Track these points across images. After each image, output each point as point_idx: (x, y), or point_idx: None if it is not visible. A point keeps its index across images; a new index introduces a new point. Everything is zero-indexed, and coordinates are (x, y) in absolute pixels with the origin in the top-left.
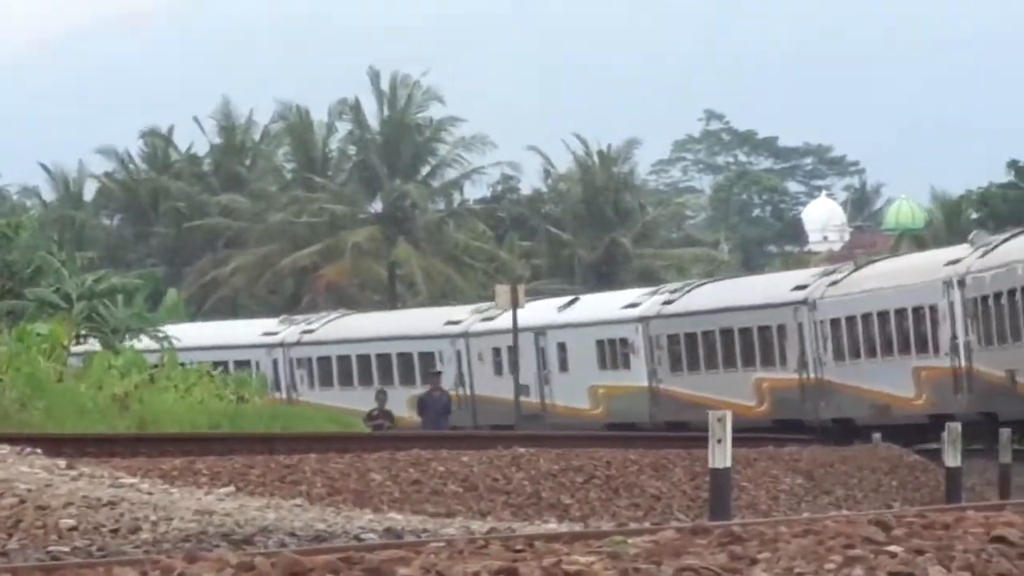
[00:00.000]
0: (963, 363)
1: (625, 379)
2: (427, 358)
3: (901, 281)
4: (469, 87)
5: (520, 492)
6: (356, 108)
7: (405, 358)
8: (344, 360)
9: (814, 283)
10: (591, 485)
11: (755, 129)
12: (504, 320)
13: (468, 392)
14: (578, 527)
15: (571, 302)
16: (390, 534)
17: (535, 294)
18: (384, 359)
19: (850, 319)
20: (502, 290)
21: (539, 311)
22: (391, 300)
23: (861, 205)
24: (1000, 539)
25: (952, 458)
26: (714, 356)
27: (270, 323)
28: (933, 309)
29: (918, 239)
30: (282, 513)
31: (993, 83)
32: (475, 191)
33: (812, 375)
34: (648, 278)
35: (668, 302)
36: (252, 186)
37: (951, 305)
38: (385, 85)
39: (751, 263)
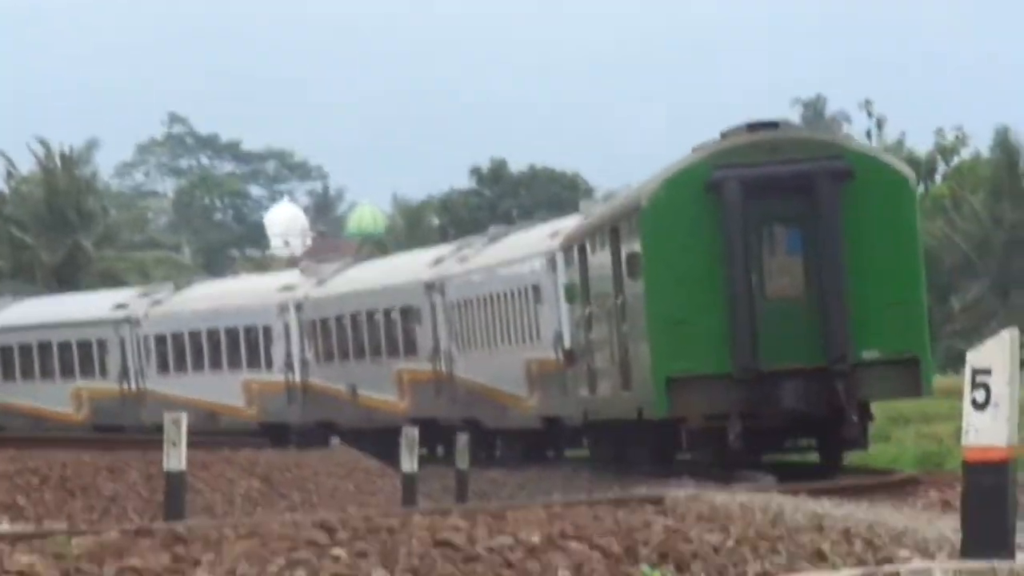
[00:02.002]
0: (298, 378)
1: None
2: None
3: (232, 303)
4: None
5: None
6: None
7: None
8: None
9: (135, 302)
10: (46, 487)
11: (218, 133)
12: None
13: None
14: (32, 528)
15: None
16: None
17: None
18: None
19: (175, 336)
20: None
21: None
22: None
23: (324, 210)
24: (445, 543)
25: (408, 463)
26: (32, 368)
27: None
28: (267, 329)
29: (381, 244)
30: None
31: (456, 88)
32: None
33: (134, 386)
34: (111, 280)
35: None
36: None
37: (287, 326)
38: None
39: (213, 267)
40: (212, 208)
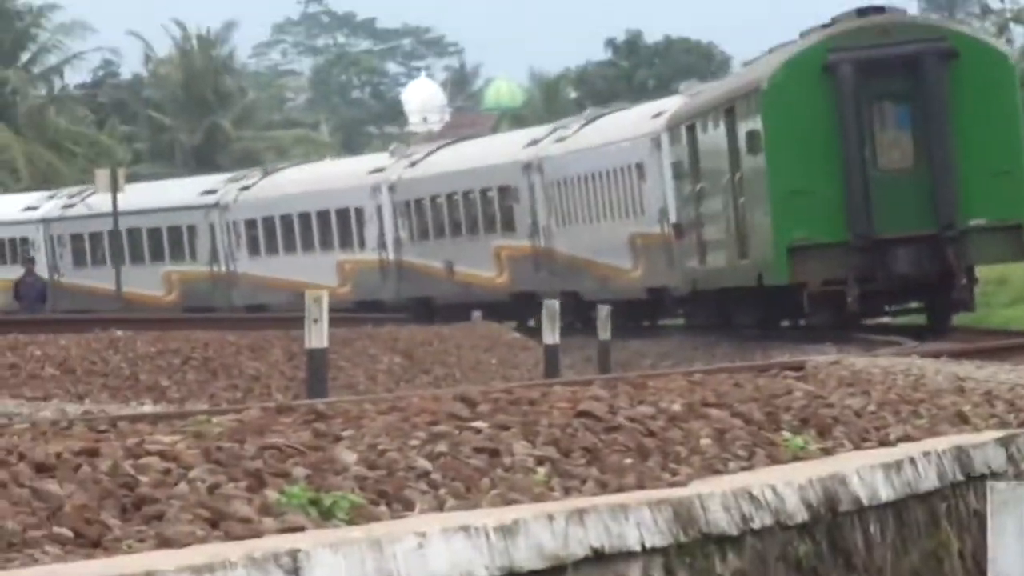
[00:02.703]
0: (392, 256)
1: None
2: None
3: (323, 186)
4: None
5: (118, 375)
6: None
7: None
8: None
9: (224, 188)
10: (189, 367)
11: (354, 11)
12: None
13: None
14: (174, 409)
15: None
16: None
17: (136, 178)
18: None
19: (266, 220)
20: (101, 174)
21: None
22: None
23: (461, 86)
24: (585, 413)
25: (550, 335)
26: (128, 253)
27: None
28: (359, 210)
29: (518, 118)
30: None
31: None
32: (76, 76)
33: (224, 268)
34: (249, 160)
35: (68, 206)
36: None
37: (379, 207)
38: None
39: (351, 144)
40: (349, 86)
